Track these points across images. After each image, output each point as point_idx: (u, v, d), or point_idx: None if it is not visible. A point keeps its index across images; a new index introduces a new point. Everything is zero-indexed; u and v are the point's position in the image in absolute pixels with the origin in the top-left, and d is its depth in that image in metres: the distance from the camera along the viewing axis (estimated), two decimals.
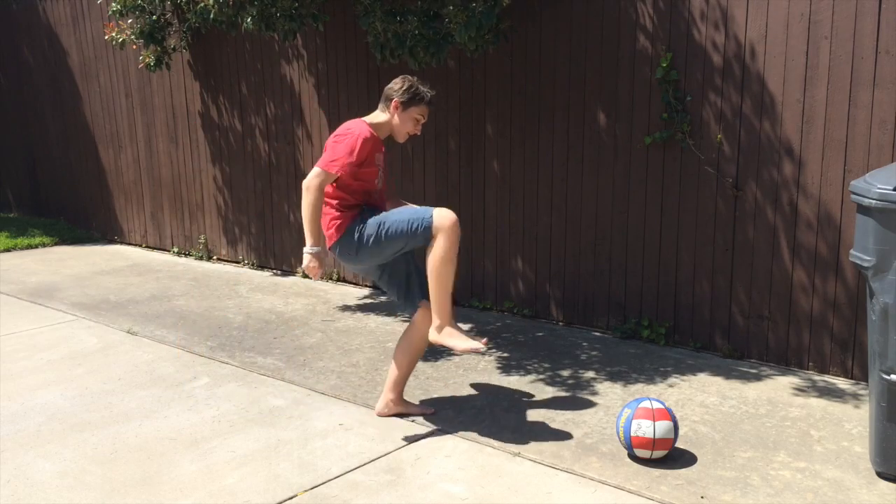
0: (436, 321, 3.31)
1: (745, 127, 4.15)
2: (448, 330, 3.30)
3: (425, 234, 3.26)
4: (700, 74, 4.25)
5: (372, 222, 3.34)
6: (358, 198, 3.42)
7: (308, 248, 3.32)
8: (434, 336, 3.32)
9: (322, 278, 3.50)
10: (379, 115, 3.51)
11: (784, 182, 4.06)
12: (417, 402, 3.70)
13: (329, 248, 3.46)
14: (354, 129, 3.37)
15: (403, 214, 3.32)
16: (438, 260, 3.24)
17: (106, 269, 6.84)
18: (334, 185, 3.39)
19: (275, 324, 5.10)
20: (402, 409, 3.59)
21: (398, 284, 3.56)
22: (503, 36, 4.72)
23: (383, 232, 3.31)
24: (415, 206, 3.53)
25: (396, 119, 3.47)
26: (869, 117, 3.77)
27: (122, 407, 3.75)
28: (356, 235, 3.35)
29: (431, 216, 3.25)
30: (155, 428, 3.49)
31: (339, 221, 3.39)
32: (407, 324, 5.02)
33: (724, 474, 3.02)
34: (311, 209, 3.28)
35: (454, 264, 3.28)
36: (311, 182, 3.28)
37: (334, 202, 3.41)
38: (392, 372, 3.56)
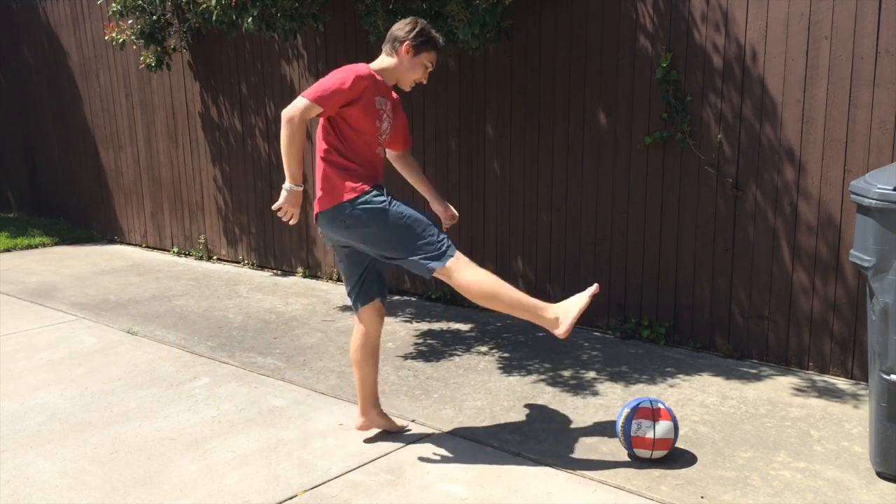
0: (549, 313, 2.94)
1: (745, 127, 4.15)
2: (563, 307, 2.95)
3: (426, 272, 3.00)
4: (700, 74, 4.25)
5: (395, 210, 2.98)
6: (362, 162, 3.07)
7: (287, 185, 3.00)
8: (560, 328, 2.93)
9: (293, 220, 3.09)
10: (384, 60, 3.17)
11: (784, 182, 4.06)
12: (397, 415, 3.50)
13: (319, 212, 3.07)
14: (351, 66, 3.07)
15: (428, 232, 3.00)
16: (483, 293, 2.98)
17: (106, 269, 6.83)
18: (334, 135, 3.05)
19: (275, 324, 5.10)
20: (386, 425, 3.38)
21: (353, 275, 3.24)
22: (505, 34, 4.72)
23: (397, 233, 2.97)
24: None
25: (405, 63, 3.14)
26: (869, 117, 3.77)
27: (122, 407, 3.74)
28: (365, 210, 2.98)
29: (445, 264, 2.96)
30: (155, 428, 3.49)
31: (343, 186, 3.01)
32: (404, 324, 5.02)
33: (724, 474, 3.01)
34: (290, 142, 2.93)
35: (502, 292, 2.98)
36: (292, 112, 2.93)
37: (337, 159, 3.04)
38: (363, 386, 3.31)
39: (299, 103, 2.95)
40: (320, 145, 3.09)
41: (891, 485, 2.93)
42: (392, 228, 2.99)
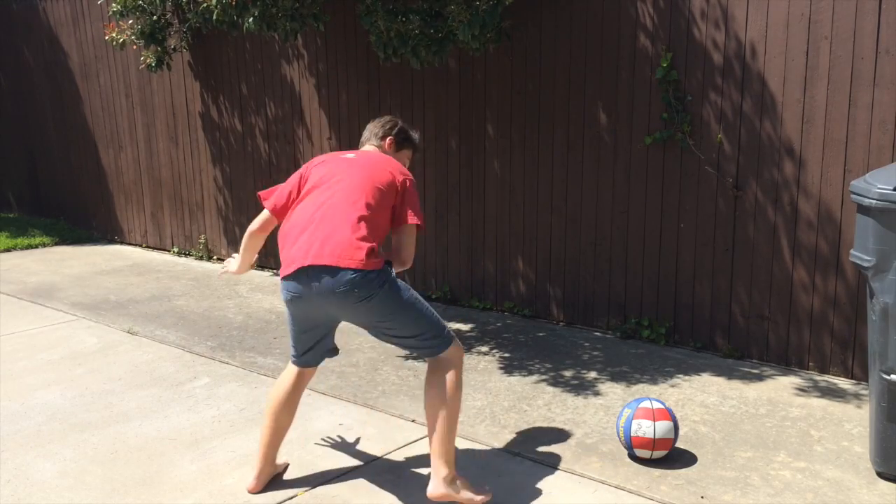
0: (442, 470, 2.77)
1: (745, 127, 4.15)
2: (459, 482, 2.82)
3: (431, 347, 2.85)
4: (700, 74, 4.25)
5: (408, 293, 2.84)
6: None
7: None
8: (441, 489, 2.76)
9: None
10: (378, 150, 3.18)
11: (784, 182, 4.06)
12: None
13: (362, 269, 2.68)
14: (400, 166, 3.01)
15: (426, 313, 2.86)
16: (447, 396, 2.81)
17: (106, 269, 6.84)
18: (390, 223, 2.90)
19: (275, 324, 5.10)
20: (277, 470, 3.05)
21: (311, 340, 3.04)
22: (505, 35, 4.72)
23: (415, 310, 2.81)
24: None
25: (391, 155, 3.14)
26: (869, 117, 3.77)
27: (122, 407, 3.75)
28: (391, 286, 2.76)
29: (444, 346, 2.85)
30: (155, 428, 3.49)
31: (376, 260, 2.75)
32: None
33: (725, 474, 3.02)
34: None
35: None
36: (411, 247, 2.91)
37: (378, 236, 2.82)
38: (277, 438, 2.97)
39: (413, 232, 2.92)
40: (366, 205, 2.81)
41: (891, 485, 2.93)
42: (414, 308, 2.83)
